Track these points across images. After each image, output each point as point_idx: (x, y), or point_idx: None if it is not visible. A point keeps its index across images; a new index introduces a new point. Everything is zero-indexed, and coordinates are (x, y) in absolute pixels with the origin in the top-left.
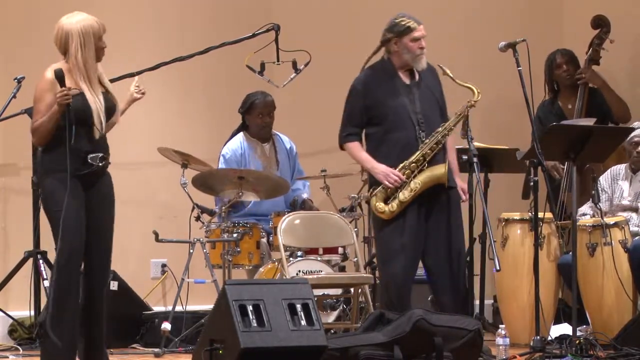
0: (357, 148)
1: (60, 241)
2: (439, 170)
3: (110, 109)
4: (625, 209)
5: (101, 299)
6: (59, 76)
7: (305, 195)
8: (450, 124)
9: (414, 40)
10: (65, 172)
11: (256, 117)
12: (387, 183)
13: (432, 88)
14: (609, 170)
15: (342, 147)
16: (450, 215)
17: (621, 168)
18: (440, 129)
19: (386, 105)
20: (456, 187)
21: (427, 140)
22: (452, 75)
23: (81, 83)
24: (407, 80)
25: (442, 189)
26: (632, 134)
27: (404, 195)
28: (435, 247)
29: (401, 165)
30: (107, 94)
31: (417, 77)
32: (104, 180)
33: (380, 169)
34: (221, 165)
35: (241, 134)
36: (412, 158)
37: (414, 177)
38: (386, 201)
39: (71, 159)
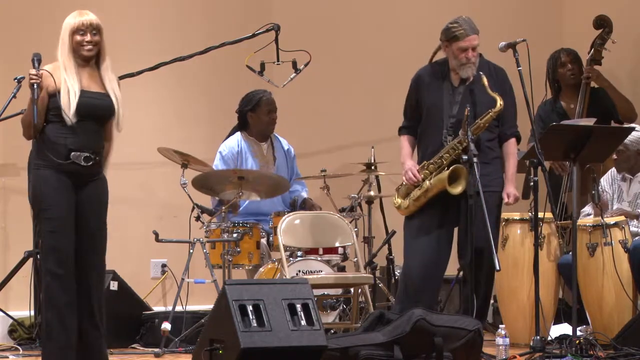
0: (404, 142)
1: (42, 239)
2: (443, 175)
3: (103, 109)
4: (624, 214)
5: (93, 300)
6: (33, 59)
7: (304, 195)
8: (466, 130)
9: (460, 49)
10: (49, 168)
11: (264, 115)
12: (404, 179)
13: (481, 95)
14: (609, 171)
15: None
16: (478, 217)
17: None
18: (460, 133)
19: (428, 104)
20: (493, 191)
21: (447, 144)
22: (486, 84)
23: (62, 79)
24: (456, 83)
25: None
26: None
27: (415, 194)
28: (463, 249)
29: (421, 165)
30: (103, 95)
31: (469, 81)
32: (97, 182)
33: (405, 166)
34: (217, 162)
35: (239, 133)
36: (432, 160)
37: (430, 178)
38: (405, 197)
39: (53, 154)
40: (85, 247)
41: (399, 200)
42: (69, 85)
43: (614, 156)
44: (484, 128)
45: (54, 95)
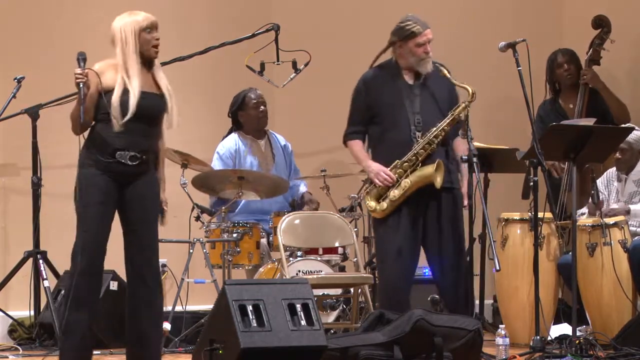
0: (357, 146)
1: (76, 236)
2: (428, 170)
3: (153, 110)
4: (617, 213)
5: (143, 298)
6: (78, 58)
7: (304, 189)
8: (443, 124)
9: (418, 45)
10: (95, 167)
11: (252, 109)
12: (377, 181)
13: (438, 89)
14: (605, 173)
15: (345, 145)
16: (448, 215)
17: (615, 170)
18: (433, 129)
19: (385, 105)
20: (458, 188)
21: (420, 140)
22: (449, 75)
23: (119, 79)
24: (410, 81)
25: (442, 189)
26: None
27: (394, 194)
28: (434, 248)
29: (392, 164)
30: (157, 95)
31: (423, 78)
32: (144, 179)
33: (373, 168)
34: (215, 162)
35: (235, 133)
36: (405, 158)
37: (406, 176)
38: (379, 200)
39: (100, 154)
40: (130, 242)
41: (373, 204)
42: (129, 87)
43: (618, 155)
44: (458, 120)
45: (105, 94)
